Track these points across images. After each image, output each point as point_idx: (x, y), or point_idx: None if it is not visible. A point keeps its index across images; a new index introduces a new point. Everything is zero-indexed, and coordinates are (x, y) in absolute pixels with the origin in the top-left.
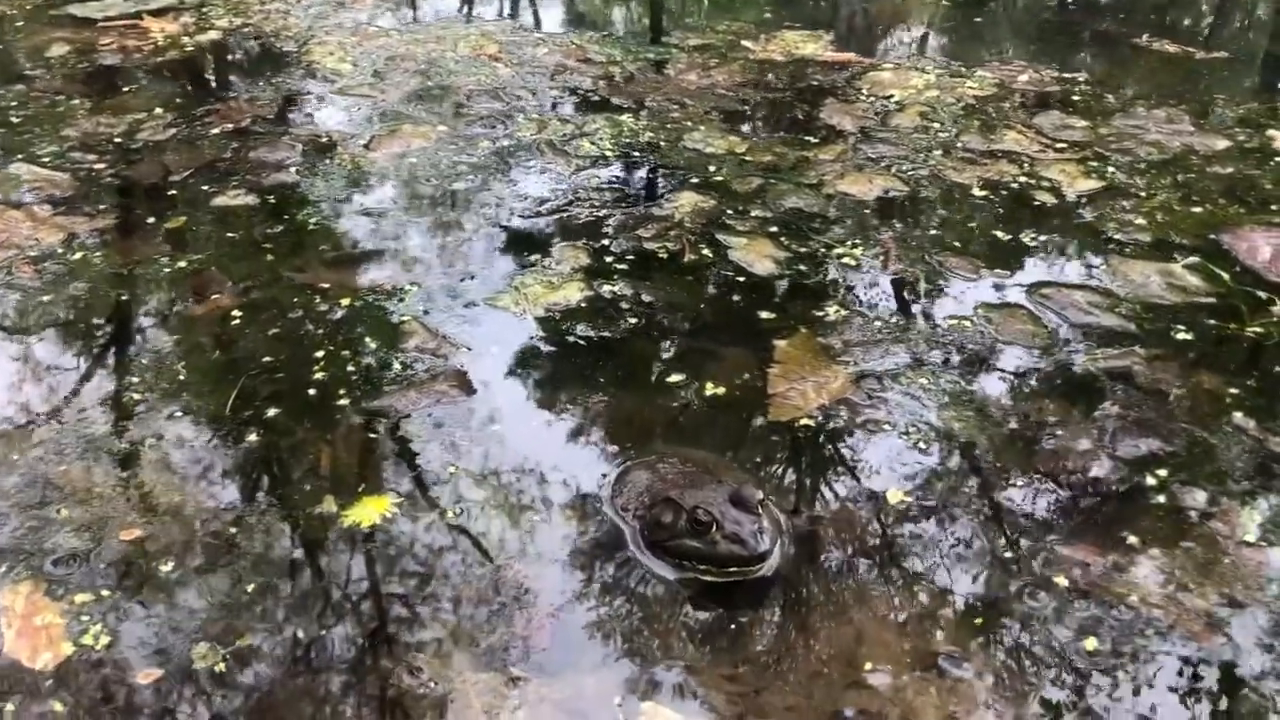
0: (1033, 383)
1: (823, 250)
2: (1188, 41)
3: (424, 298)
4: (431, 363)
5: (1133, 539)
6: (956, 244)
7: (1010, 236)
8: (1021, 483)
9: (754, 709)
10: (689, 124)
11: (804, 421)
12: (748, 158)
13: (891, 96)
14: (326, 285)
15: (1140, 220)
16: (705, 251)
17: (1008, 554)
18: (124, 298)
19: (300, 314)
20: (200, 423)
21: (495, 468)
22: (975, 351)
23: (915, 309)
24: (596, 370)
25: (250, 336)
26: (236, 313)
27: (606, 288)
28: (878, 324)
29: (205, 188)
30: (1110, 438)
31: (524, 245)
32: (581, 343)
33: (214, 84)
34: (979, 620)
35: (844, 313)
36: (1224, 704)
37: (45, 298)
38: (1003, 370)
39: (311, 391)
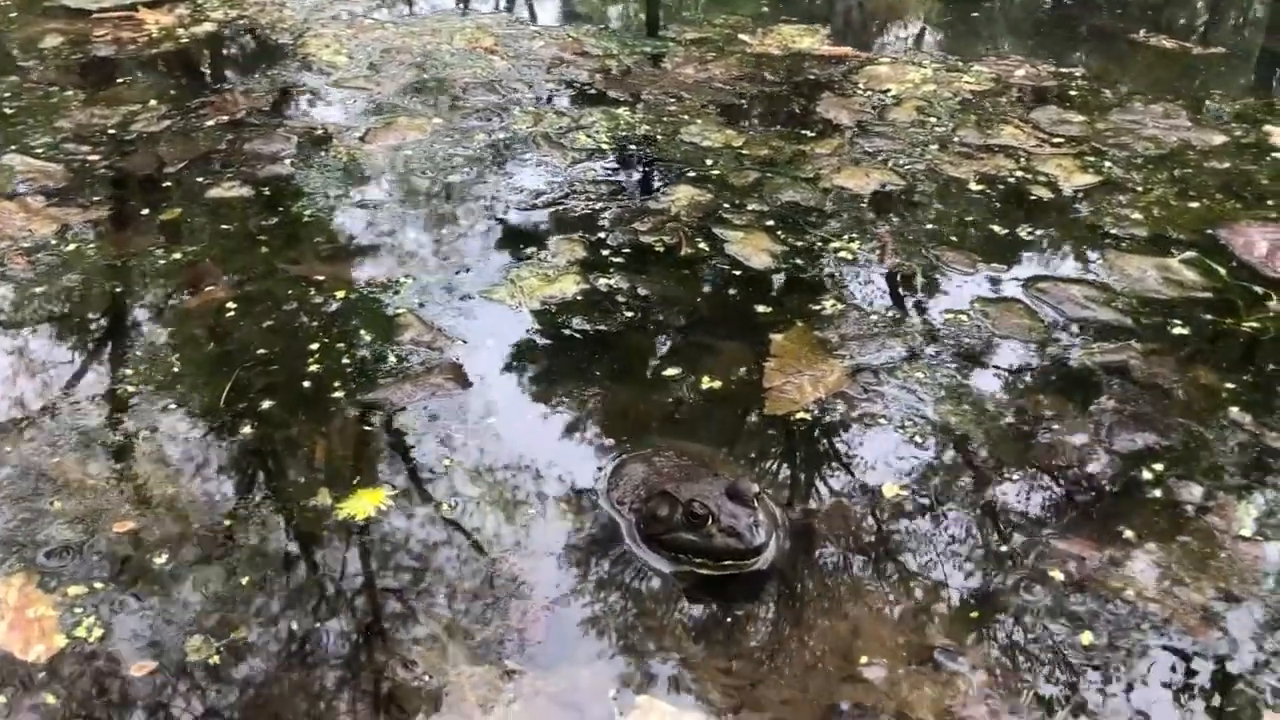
0: (1029, 377)
1: (819, 244)
2: (1184, 37)
3: (419, 290)
4: (427, 355)
5: (1129, 533)
6: (953, 238)
7: (1007, 231)
8: (1017, 477)
9: (750, 702)
10: (686, 118)
11: (800, 415)
12: (744, 152)
13: (888, 91)
14: (321, 278)
15: (1137, 215)
16: (702, 245)
17: (1003, 548)
18: (118, 289)
19: (295, 306)
20: (194, 415)
21: (490, 461)
22: (972, 346)
23: (911, 303)
24: (592, 364)
25: (245, 329)
26: (231, 305)
27: (602, 281)
28: (874, 318)
29: (200, 180)
30: (1106, 432)
31: (520, 238)
32: (577, 336)
33: (209, 76)
34: (975, 614)
35: (840, 307)
36: (1220, 698)
37: (38, 289)
38: (999, 364)
39: (306, 384)
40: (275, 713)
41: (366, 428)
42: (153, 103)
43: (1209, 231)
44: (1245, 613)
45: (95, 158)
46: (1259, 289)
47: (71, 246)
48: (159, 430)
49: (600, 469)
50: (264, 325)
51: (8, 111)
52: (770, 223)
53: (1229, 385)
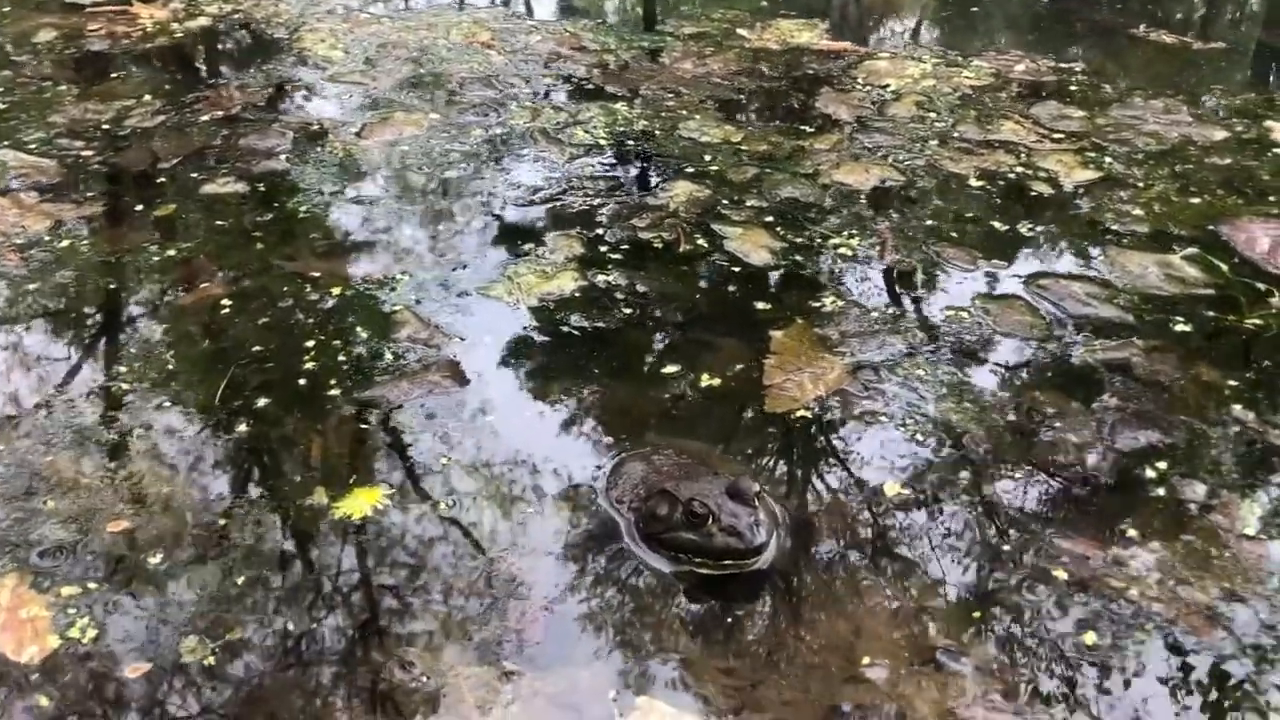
0: (1031, 374)
1: (819, 240)
2: (1185, 32)
3: (416, 287)
4: (424, 353)
5: (1132, 532)
6: (953, 234)
7: (1007, 227)
8: (1019, 475)
9: (750, 703)
10: (684, 112)
11: (800, 413)
12: (743, 147)
13: (888, 86)
14: (317, 274)
15: (1138, 211)
16: (700, 241)
17: (1006, 547)
18: (112, 286)
19: (290, 303)
20: (189, 413)
21: (488, 459)
22: (972, 343)
23: (911, 300)
24: (591, 361)
25: (240, 326)
26: (226, 302)
27: (601, 277)
28: (874, 315)
29: (194, 175)
30: (1109, 430)
31: (517, 234)
32: (575, 333)
33: (204, 70)
34: (977, 614)
35: (840, 303)
36: (1224, 698)
37: (32, 286)
38: (1000, 362)
39: (302, 381)
40: (271, 714)
41: (363, 426)
42: (147, 98)
43: (1210, 227)
44: (1250, 612)
45: (89, 153)
46: (1261, 285)
47: (65, 243)
48: (153, 428)
49: (599, 467)
50: (259, 322)
51: (1, 106)
52: (769, 219)
53: (1231, 382)
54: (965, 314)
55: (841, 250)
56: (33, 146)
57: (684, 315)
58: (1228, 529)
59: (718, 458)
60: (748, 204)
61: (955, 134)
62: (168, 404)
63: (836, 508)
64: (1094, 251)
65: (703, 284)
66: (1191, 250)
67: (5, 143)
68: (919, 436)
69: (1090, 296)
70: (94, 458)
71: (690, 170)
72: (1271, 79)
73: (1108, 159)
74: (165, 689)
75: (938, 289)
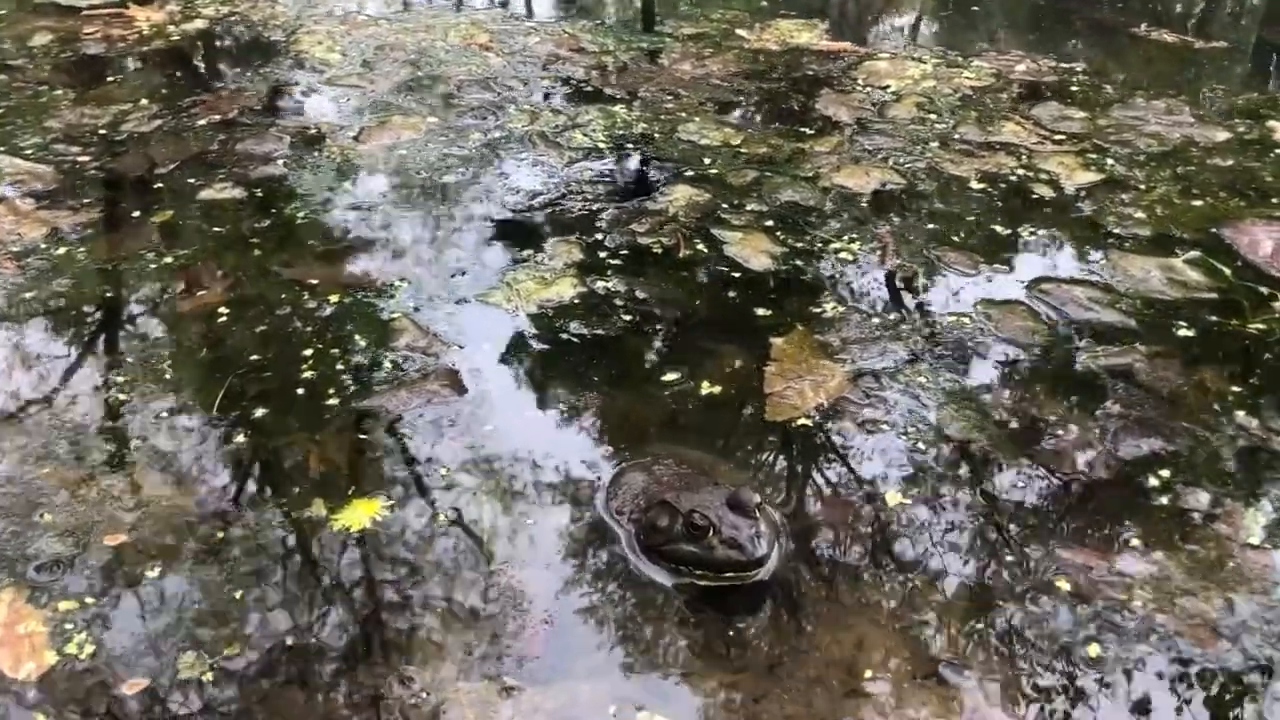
0: (1033, 381)
1: (819, 245)
2: (1185, 30)
3: (414, 294)
4: (422, 361)
5: (1135, 542)
6: (955, 238)
7: (1009, 230)
8: (1022, 484)
9: (752, 717)
10: (683, 115)
11: (801, 422)
12: (743, 150)
13: (888, 87)
14: (315, 281)
15: (1140, 214)
16: (700, 246)
17: (1009, 558)
18: (109, 294)
19: (288, 310)
20: (187, 423)
21: (487, 470)
22: (974, 349)
23: (913, 305)
24: (590, 369)
25: (238, 334)
26: (224, 309)
27: (600, 284)
28: (875, 321)
29: (191, 181)
30: (1111, 437)
31: (516, 240)
32: (575, 340)
33: (201, 74)
34: (979, 626)
35: (841, 309)
36: (1229, 712)
37: (28, 294)
38: (1002, 368)
39: (300, 391)
40: None
41: (362, 436)
42: (144, 102)
43: (1213, 230)
44: (1255, 623)
45: (85, 159)
46: (1264, 289)
47: (62, 250)
48: (151, 439)
49: (599, 478)
50: (257, 330)
51: None
52: (769, 223)
53: (1235, 389)
54: (967, 319)
55: (842, 255)
56: (29, 152)
57: (684, 322)
58: (1231, 538)
59: (718, 467)
60: (748, 208)
61: (956, 136)
62: (165, 414)
63: (838, 519)
64: (1095, 255)
65: (703, 290)
66: (1194, 253)
67: (1, 148)
68: (920, 445)
69: (1092, 301)
70: (91, 470)
71: (690, 174)
72: (1271, 79)
73: (1109, 161)
74: (163, 706)
75: (939, 294)
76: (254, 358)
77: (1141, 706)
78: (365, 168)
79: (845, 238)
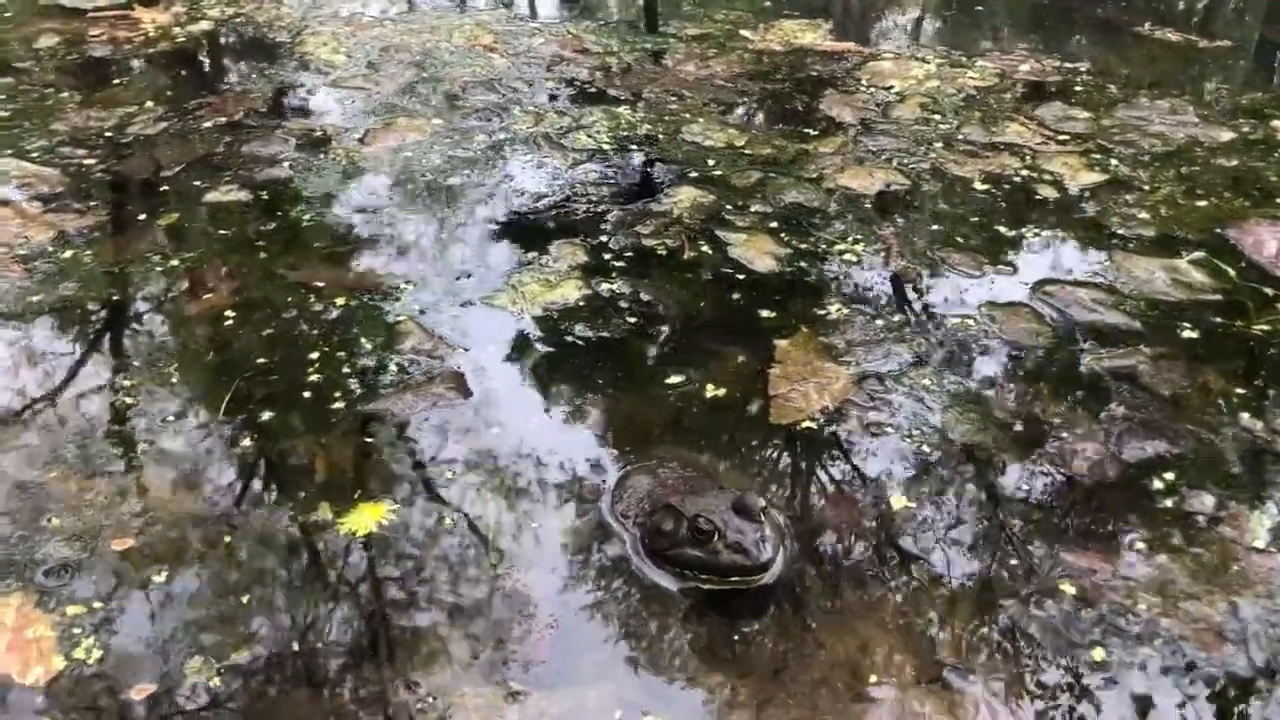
0: (1037, 383)
1: (823, 247)
2: (1189, 29)
3: (420, 297)
4: (428, 364)
5: (1140, 545)
6: (959, 240)
7: (1013, 232)
8: (1026, 487)
9: None
10: (687, 116)
11: (806, 424)
12: (747, 151)
13: (892, 87)
14: (321, 284)
15: (1144, 214)
16: (705, 248)
17: (1013, 561)
18: (115, 297)
19: (294, 314)
20: (194, 427)
21: (493, 473)
22: (979, 351)
23: (918, 307)
24: (595, 371)
25: (244, 337)
26: (230, 312)
27: (605, 286)
28: (880, 323)
29: (197, 183)
30: (1115, 440)
31: (521, 242)
32: (580, 343)
33: (206, 76)
34: (985, 630)
35: (845, 311)
36: (1234, 716)
37: (35, 297)
38: (1006, 370)
39: (306, 394)
40: None
41: (367, 439)
42: (149, 104)
43: (1217, 231)
44: (1260, 627)
45: (92, 161)
46: (1269, 290)
47: (68, 253)
48: (158, 443)
49: (604, 481)
50: (263, 333)
51: (3, 114)
52: (774, 224)
53: (1239, 390)
54: (971, 321)
55: (846, 256)
56: (35, 155)
57: (688, 324)
58: (1236, 541)
59: (723, 471)
60: (752, 209)
61: (960, 136)
62: (172, 418)
63: (843, 522)
64: (1100, 256)
65: (707, 292)
66: (1198, 254)
67: (7, 151)
68: (925, 448)
69: (1096, 303)
70: (98, 474)
71: (694, 175)
72: (1276, 78)
73: (1113, 161)
74: (170, 711)
75: (943, 295)
76: (260, 361)
77: (1146, 711)
78: (370, 170)
79: (849, 239)
